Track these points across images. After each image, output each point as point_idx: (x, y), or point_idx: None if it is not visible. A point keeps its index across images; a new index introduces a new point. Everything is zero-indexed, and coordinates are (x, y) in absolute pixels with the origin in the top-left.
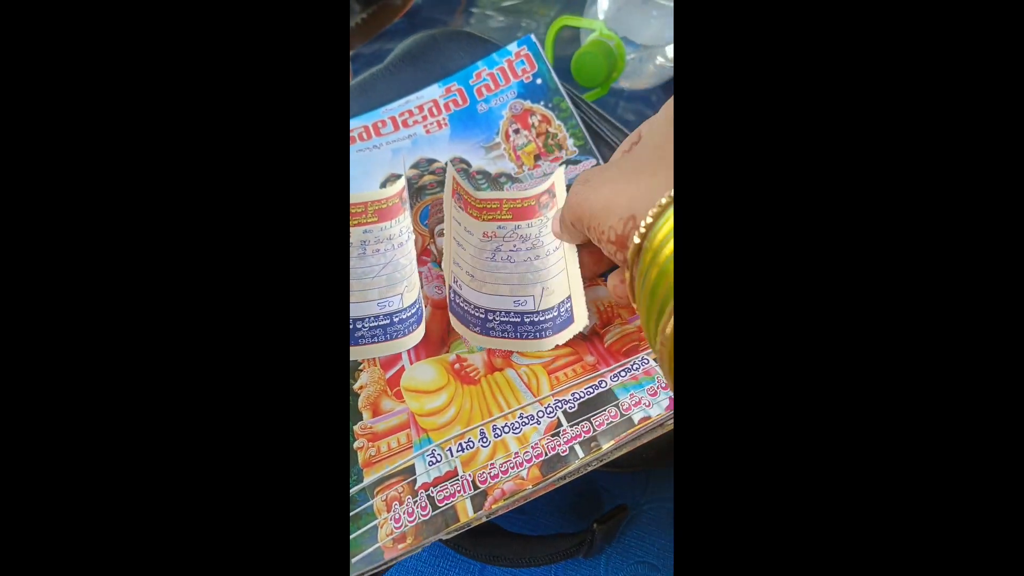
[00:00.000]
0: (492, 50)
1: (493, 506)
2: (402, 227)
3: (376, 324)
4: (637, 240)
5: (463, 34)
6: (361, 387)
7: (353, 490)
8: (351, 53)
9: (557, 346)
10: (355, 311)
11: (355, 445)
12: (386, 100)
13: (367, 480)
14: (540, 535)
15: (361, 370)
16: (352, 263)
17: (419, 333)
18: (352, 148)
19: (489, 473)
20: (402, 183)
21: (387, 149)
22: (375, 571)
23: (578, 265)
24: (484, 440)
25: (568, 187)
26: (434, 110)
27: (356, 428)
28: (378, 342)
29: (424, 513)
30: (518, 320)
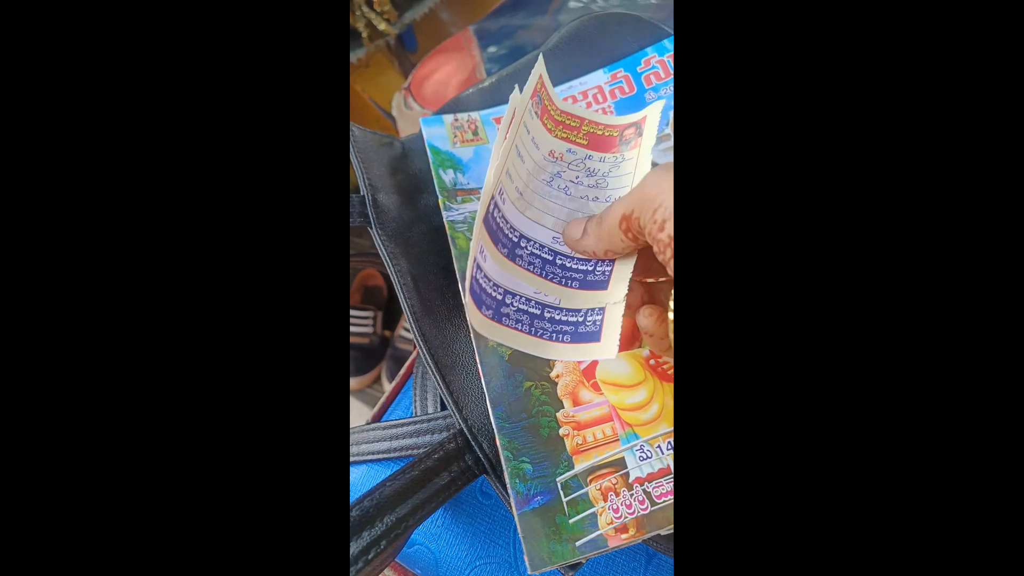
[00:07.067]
0: (663, 36)
1: None
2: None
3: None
4: None
5: (632, 18)
6: (558, 376)
7: (566, 476)
8: (473, 27)
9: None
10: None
11: (561, 432)
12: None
13: (578, 467)
14: None
15: (555, 360)
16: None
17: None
18: None
19: None
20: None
21: None
22: (598, 555)
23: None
24: None
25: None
26: (599, 96)
27: (559, 416)
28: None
29: (643, 507)
30: (549, 257)
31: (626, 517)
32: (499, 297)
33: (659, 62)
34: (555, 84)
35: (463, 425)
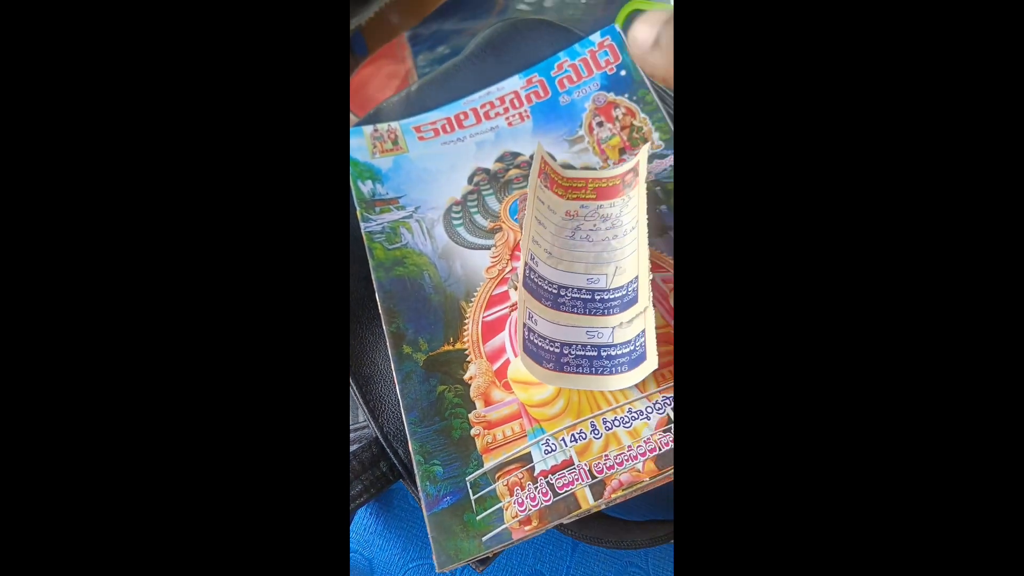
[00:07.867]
0: (574, 40)
1: (612, 495)
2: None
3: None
4: None
5: (544, 23)
6: (471, 378)
7: (475, 474)
8: (407, 34)
9: (616, 327)
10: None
11: (472, 432)
12: (467, 91)
13: (487, 465)
14: (637, 520)
15: (469, 361)
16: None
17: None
18: (436, 141)
19: (604, 464)
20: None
21: (471, 142)
22: (504, 548)
23: (647, 248)
24: (596, 432)
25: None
26: (516, 102)
27: (471, 416)
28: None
29: (546, 499)
30: (588, 297)
31: (530, 509)
32: (556, 351)
33: (571, 66)
34: (473, 91)
35: (378, 433)
